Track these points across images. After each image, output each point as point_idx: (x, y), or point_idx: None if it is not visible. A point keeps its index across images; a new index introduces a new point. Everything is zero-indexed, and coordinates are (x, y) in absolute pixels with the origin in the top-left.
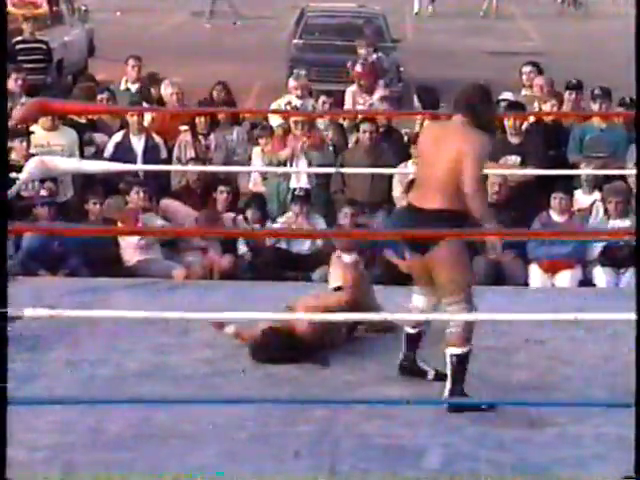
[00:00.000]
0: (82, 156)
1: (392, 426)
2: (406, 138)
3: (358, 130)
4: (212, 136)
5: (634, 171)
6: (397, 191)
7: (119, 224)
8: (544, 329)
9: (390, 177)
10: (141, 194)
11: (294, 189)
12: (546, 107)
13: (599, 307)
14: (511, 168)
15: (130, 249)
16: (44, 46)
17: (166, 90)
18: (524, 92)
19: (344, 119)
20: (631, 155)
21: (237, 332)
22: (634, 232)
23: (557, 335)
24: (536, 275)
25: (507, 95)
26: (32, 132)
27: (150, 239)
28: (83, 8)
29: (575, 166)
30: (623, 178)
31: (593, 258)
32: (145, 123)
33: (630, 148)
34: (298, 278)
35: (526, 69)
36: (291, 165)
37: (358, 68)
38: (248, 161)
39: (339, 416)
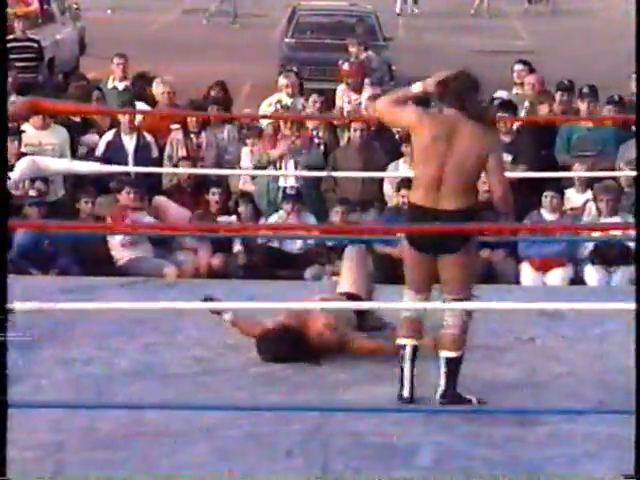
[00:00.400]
0: (74, 155)
1: (384, 424)
2: (397, 137)
3: (349, 129)
4: (203, 135)
5: (633, 172)
6: (388, 189)
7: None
8: (535, 327)
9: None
10: (132, 194)
11: (285, 188)
12: (539, 107)
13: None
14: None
15: (119, 247)
16: (35, 44)
17: (157, 89)
18: (515, 90)
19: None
20: (622, 154)
21: (233, 321)
22: (634, 226)
23: (548, 333)
24: (527, 273)
25: (501, 94)
26: (23, 131)
27: (137, 236)
28: (74, 6)
29: (567, 165)
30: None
31: (584, 256)
32: (136, 122)
33: (621, 147)
34: (290, 277)
35: (517, 67)
36: (280, 164)
37: (345, 67)
38: (239, 160)
39: (331, 414)
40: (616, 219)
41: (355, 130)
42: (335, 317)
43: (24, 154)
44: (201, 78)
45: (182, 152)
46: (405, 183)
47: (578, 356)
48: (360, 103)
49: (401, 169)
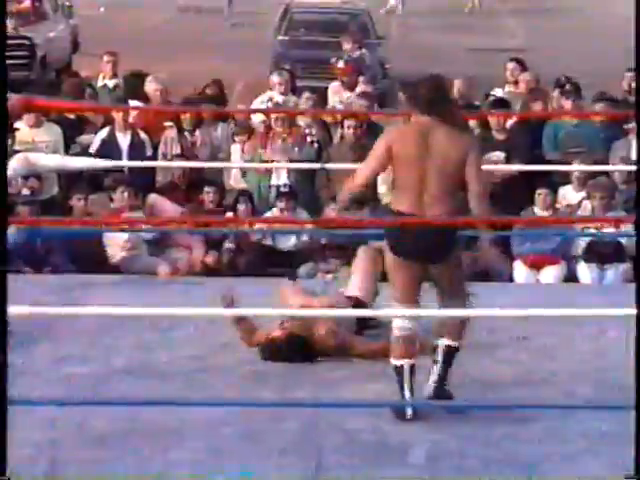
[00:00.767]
0: (67, 153)
1: (378, 422)
2: None
3: (342, 126)
4: (198, 133)
5: (631, 167)
6: (382, 188)
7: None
8: (530, 325)
9: None
10: (125, 194)
11: (278, 185)
12: (532, 104)
13: (584, 303)
14: (496, 164)
15: (116, 247)
16: (27, 42)
17: (150, 86)
18: (507, 89)
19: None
20: (615, 150)
21: (238, 319)
22: (629, 219)
23: (542, 331)
24: (521, 271)
25: (497, 92)
26: (16, 129)
27: (136, 240)
28: (67, 4)
29: (555, 163)
30: (606, 173)
31: (577, 254)
32: (130, 119)
33: (615, 143)
34: (284, 274)
35: (510, 65)
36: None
37: (341, 64)
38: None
39: (325, 412)
40: (609, 216)
41: (349, 127)
42: (336, 322)
43: (17, 152)
44: (194, 76)
45: (176, 150)
46: None
47: (573, 354)
48: (351, 101)
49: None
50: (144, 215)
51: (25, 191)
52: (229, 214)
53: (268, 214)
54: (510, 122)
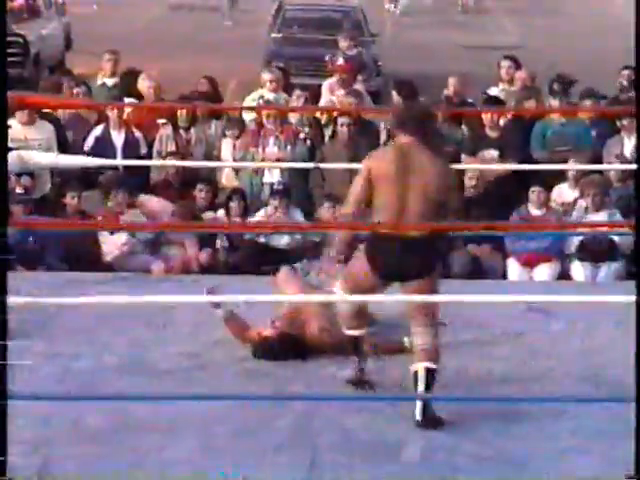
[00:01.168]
0: (60, 150)
1: (372, 420)
2: (386, 132)
3: (335, 124)
4: (192, 130)
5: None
6: None
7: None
8: (523, 322)
9: None
10: (120, 195)
11: (272, 183)
12: (527, 103)
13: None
14: (490, 162)
15: (112, 246)
16: (20, 39)
17: (143, 84)
18: (501, 86)
19: (322, 114)
20: (609, 148)
21: (226, 318)
22: (633, 225)
23: (536, 328)
24: (514, 269)
25: (493, 90)
26: (9, 126)
27: (134, 241)
28: (60, 1)
29: (543, 161)
30: (599, 170)
31: (570, 252)
32: (124, 116)
33: (608, 142)
34: (278, 272)
35: (504, 63)
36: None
37: (340, 62)
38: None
39: (320, 410)
40: (602, 214)
41: (342, 125)
42: (329, 320)
43: (10, 149)
44: (187, 74)
45: (171, 148)
46: None
47: (566, 351)
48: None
49: None
50: (140, 213)
51: (18, 189)
52: (221, 212)
53: (261, 212)
54: (504, 120)
